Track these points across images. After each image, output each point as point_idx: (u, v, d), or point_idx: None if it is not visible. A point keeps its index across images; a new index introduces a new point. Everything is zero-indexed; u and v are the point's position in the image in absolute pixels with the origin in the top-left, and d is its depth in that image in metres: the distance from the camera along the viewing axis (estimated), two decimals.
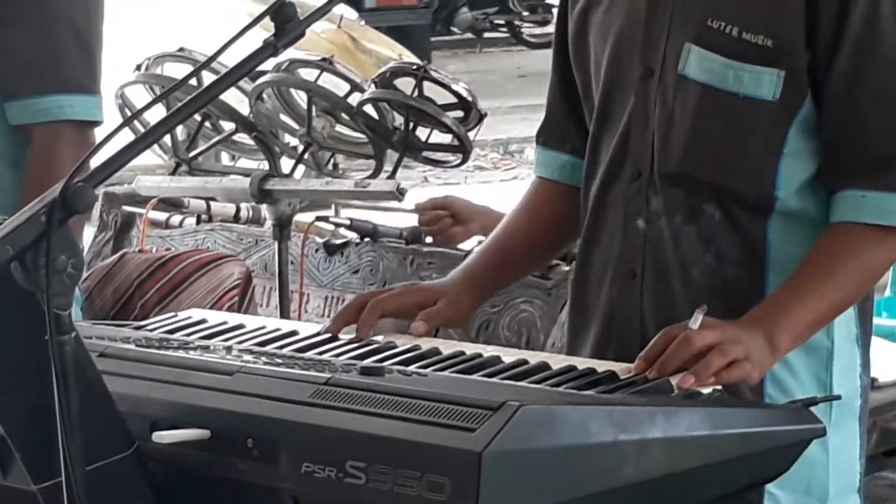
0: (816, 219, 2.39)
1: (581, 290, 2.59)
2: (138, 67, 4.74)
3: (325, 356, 2.37)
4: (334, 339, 2.48)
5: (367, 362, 2.24)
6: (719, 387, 2.22)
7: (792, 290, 2.33)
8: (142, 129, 2.59)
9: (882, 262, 2.43)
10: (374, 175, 4.08)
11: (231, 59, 2.21)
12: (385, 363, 2.25)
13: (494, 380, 2.17)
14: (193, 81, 3.41)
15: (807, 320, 2.32)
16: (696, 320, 2.25)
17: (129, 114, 4.57)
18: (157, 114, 3.52)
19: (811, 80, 2.36)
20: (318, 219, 3.99)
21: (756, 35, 2.36)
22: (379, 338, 2.51)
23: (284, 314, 3.71)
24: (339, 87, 4.32)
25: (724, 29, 2.39)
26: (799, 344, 2.38)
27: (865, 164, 2.35)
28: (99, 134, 3.26)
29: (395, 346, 2.44)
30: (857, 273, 2.37)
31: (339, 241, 3.90)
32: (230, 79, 2.20)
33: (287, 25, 2.11)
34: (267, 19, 2.14)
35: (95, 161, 2.10)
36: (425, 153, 4.32)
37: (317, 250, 3.91)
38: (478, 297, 2.66)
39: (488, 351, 2.37)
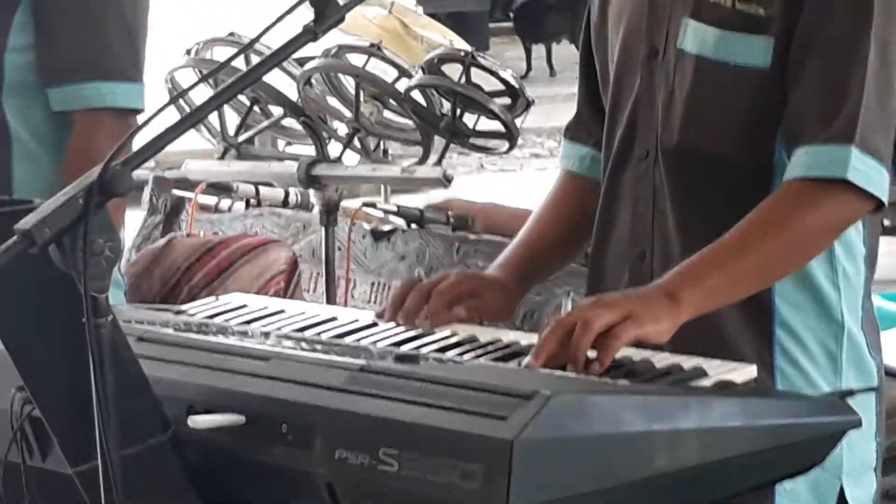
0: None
1: (597, 275, 2.59)
2: (188, 52, 4.74)
3: (364, 342, 2.38)
4: (374, 325, 2.49)
5: (403, 349, 2.26)
6: (754, 375, 2.20)
7: (715, 247, 2.29)
8: (187, 111, 2.62)
9: (825, 222, 2.36)
10: (422, 161, 4.08)
11: (279, 41, 2.24)
12: (422, 350, 2.27)
13: (541, 372, 2.17)
14: (241, 64, 3.45)
15: (719, 273, 2.27)
16: (566, 306, 2.26)
17: None
18: (204, 97, 3.57)
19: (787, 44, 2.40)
20: (366, 205, 4.01)
21: (749, 4, 2.37)
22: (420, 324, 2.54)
23: (331, 300, 3.71)
24: (388, 73, 4.29)
25: (720, 1, 2.41)
26: (712, 300, 2.31)
27: (818, 122, 2.32)
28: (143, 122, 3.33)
29: (433, 333, 2.44)
30: (790, 230, 2.33)
31: (386, 228, 3.91)
32: (271, 62, 2.20)
33: (326, 10, 2.11)
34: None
35: (137, 145, 2.12)
36: (472, 140, 4.29)
37: (364, 236, 3.91)
38: (522, 290, 2.67)
39: (525, 339, 2.37)
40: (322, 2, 2.11)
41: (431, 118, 4.23)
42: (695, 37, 2.43)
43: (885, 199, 2.34)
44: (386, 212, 3.96)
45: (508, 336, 2.41)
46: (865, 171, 2.29)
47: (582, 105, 2.74)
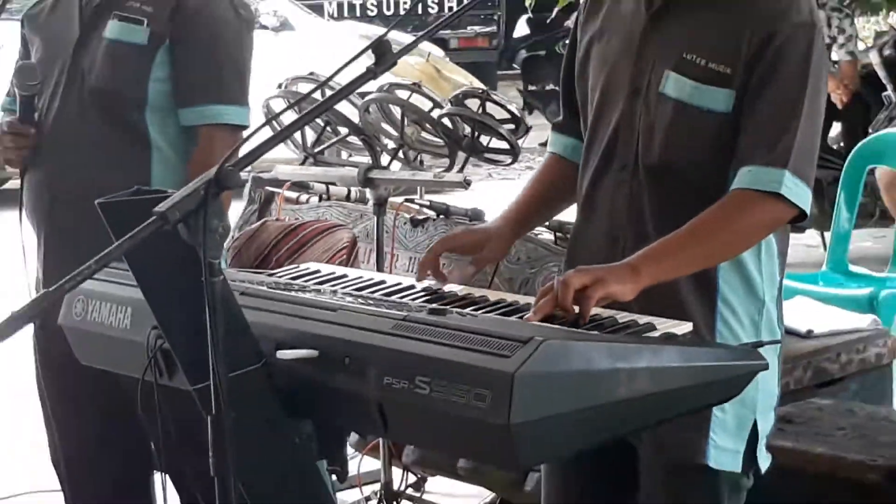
0: None
1: (574, 251, 2.56)
2: (279, 86, 4.71)
3: (405, 300, 2.37)
4: (412, 287, 2.46)
5: (433, 306, 2.24)
6: (690, 329, 2.20)
7: (673, 235, 2.27)
8: (278, 129, 2.61)
9: (756, 223, 2.36)
10: (448, 170, 4.03)
11: (346, 79, 2.23)
12: (447, 306, 2.24)
13: (535, 324, 2.16)
14: (318, 95, 3.44)
15: (673, 255, 2.26)
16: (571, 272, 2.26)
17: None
18: (290, 119, 3.55)
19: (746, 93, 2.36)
20: (407, 200, 3.97)
21: (719, 64, 2.33)
22: (449, 287, 2.48)
23: (380, 269, 3.67)
24: (425, 105, 4.22)
25: (696, 60, 2.36)
26: (665, 272, 2.29)
27: (759, 150, 2.29)
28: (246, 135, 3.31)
29: (456, 294, 2.43)
30: (730, 227, 2.32)
31: (421, 217, 3.86)
32: (341, 95, 2.19)
33: (384, 57, 2.09)
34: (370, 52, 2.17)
35: (243, 152, 2.12)
36: (486, 155, 4.26)
37: (405, 223, 3.86)
38: (514, 237, 2.63)
39: (524, 300, 2.36)
40: (380, 50, 2.09)
41: (456, 138, 4.21)
42: (675, 85, 2.39)
43: (808, 210, 2.32)
44: (421, 205, 3.93)
45: (511, 297, 2.40)
46: (794, 189, 2.27)
47: (565, 112, 2.68)
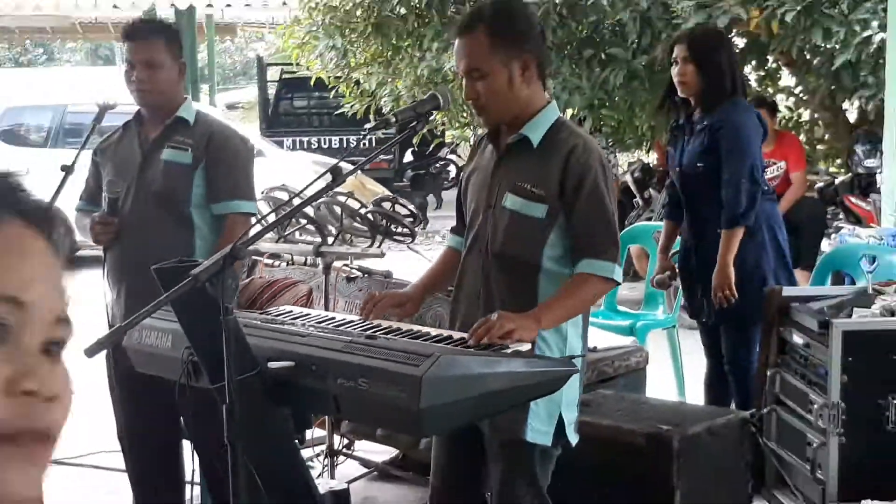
0: (560, 273, 2.28)
1: (455, 303, 2.48)
2: (261, 192, 4.58)
3: (348, 329, 2.32)
4: (353, 321, 2.40)
5: (369, 333, 2.20)
6: (529, 347, 2.17)
7: (554, 298, 2.24)
8: (267, 222, 2.58)
9: (596, 291, 2.34)
10: (370, 247, 3.97)
11: (309, 189, 2.19)
12: (378, 333, 2.21)
13: (430, 342, 2.14)
14: (287, 197, 3.41)
15: (557, 309, 2.22)
16: (496, 314, 2.23)
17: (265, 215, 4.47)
18: (273, 215, 3.51)
19: (562, 208, 2.28)
20: (344, 265, 3.94)
21: (537, 189, 2.28)
22: (380, 321, 2.43)
23: (327, 309, 3.57)
24: (356, 205, 4.11)
25: (524, 185, 2.30)
26: (556, 321, 2.27)
27: (589, 248, 2.24)
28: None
29: (384, 326, 2.38)
30: (583, 293, 2.29)
31: (353, 276, 3.80)
32: (306, 202, 2.23)
33: (337, 177, 2.06)
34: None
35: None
36: (394, 237, 4.14)
37: (343, 280, 3.78)
38: (423, 299, 2.56)
39: (424, 329, 2.32)
40: (335, 172, 2.07)
41: (376, 227, 4.17)
42: (511, 201, 2.32)
43: (620, 282, 2.30)
44: (352, 269, 3.87)
45: (416, 328, 2.36)
46: (616, 271, 2.25)
47: (458, 219, 2.61)
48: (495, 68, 2.24)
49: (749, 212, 3.16)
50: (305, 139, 11.46)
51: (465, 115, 6.58)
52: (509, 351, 2.11)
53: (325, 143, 11.50)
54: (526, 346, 2.15)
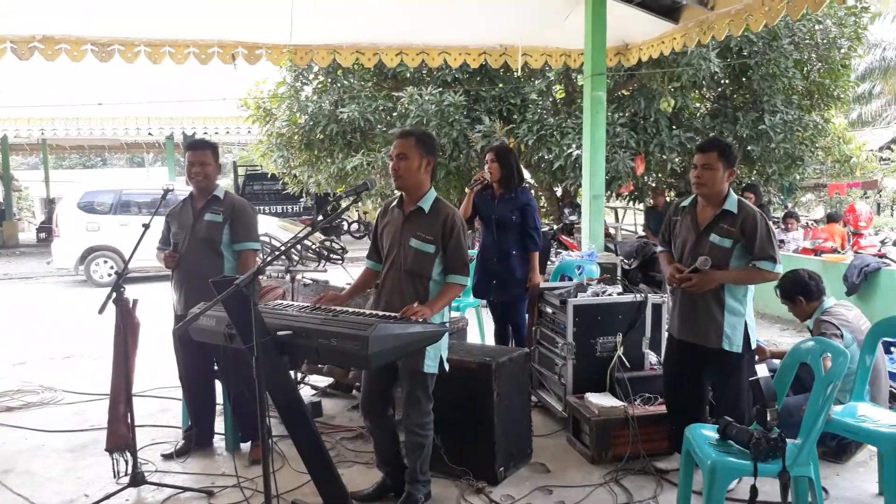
0: (440, 282, 2.65)
1: (378, 297, 2.72)
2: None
3: (319, 312, 2.65)
4: (319, 308, 2.61)
5: (333, 312, 2.49)
6: (424, 320, 2.43)
7: (438, 296, 2.60)
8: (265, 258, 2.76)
9: (456, 293, 2.63)
10: (318, 266, 4.94)
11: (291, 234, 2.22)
12: (338, 314, 2.48)
13: (369, 317, 2.41)
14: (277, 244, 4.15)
15: (439, 302, 2.65)
16: (416, 304, 2.47)
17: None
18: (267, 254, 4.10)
19: (442, 247, 2.56)
20: (302, 277, 4.75)
21: (428, 236, 2.61)
22: (333, 307, 2.58)
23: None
24: (310, 243, 5.12)
25: (421, 234, 2.62)
26: (438, 308, 2.64)
27: (454, 268, 2.64)
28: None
29: (340, 310, 2.69)
30: (451, 294, 2.64)
31: (307, 283, 4.61)
32: (290, 245, 2.55)
33: (314, 229, 2.46)
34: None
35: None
36: (331, 260, 5.16)
37: (303, 286, 4.67)
38: (350, 298, 2.83)
39: (368, 312, 2.65)
40: (312, 226, 2.45)
41: (320, 255, 4.99)
42: (414, 242, 2.62)
43: (467, 286, 2.45)
44: (307, 279, 4.69)
45: (362, 310, 2.72)
46: (465, 280, 2.55)
47: (373, 250, 2.86)
48: (413, 156, 2.53)
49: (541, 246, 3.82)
50: (265, 208, 14.04)
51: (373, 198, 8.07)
52: (415, 320, 2.36)
53: (275, 210, 14.38)
54: (424, 319, 2.37)
